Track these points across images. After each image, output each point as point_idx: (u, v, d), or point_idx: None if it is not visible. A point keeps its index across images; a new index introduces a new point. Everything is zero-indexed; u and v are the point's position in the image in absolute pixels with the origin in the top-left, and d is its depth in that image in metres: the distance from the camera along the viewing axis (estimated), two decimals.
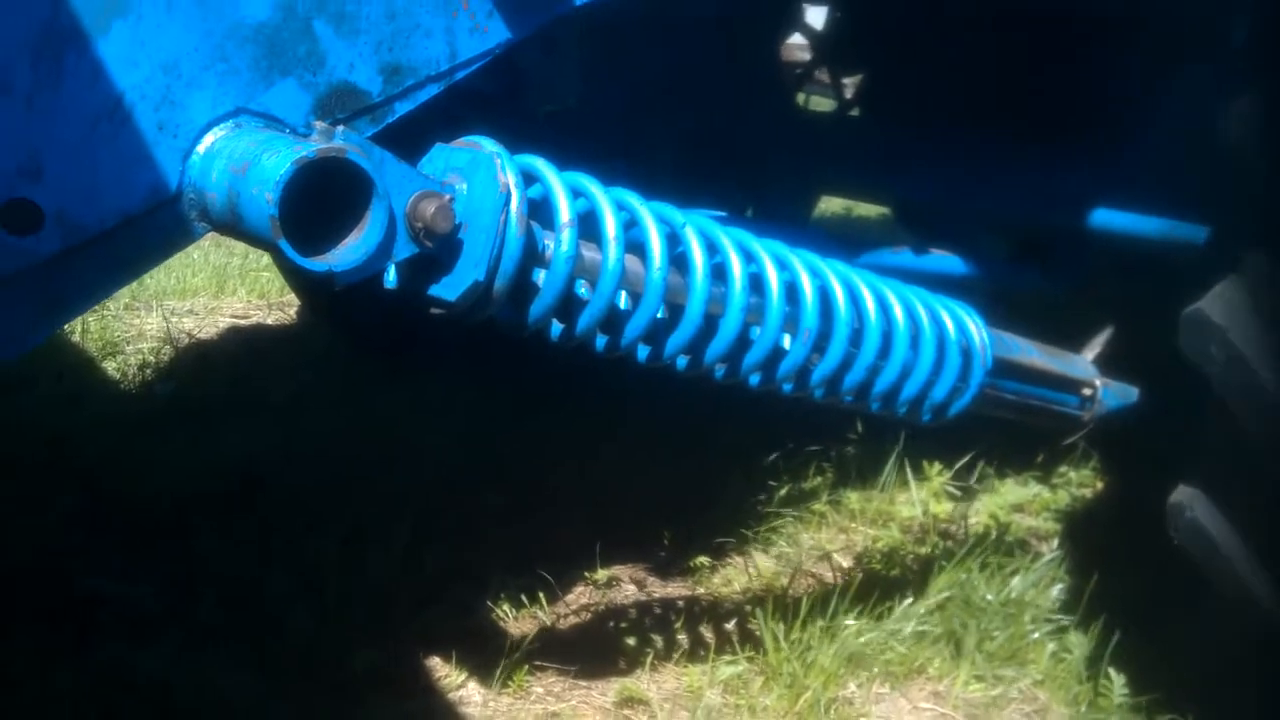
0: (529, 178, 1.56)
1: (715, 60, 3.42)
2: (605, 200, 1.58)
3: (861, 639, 2.62)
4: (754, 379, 1.81)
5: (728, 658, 2.56)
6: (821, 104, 4.54)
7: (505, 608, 2.67)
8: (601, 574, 2.85)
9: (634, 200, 1.65)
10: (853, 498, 3.34)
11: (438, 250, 1.45)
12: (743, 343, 1.74)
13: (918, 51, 3.45)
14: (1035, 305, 3.02)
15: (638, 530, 3.07)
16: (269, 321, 4.79)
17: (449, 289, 1.48)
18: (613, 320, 1.63)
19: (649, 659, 2.56)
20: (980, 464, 3.32)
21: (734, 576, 2.96)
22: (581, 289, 1.58)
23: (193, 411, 3.56)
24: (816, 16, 4.14)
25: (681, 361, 1.74)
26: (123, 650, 2.33)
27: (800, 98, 4.12)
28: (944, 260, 2.87)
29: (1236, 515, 1.98)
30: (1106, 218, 2.78)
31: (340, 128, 1.40)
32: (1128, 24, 2.87)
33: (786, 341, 1.77)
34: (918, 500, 3.24)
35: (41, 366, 3.72)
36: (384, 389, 3.81)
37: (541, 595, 2.70)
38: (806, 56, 4.10)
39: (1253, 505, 1.96)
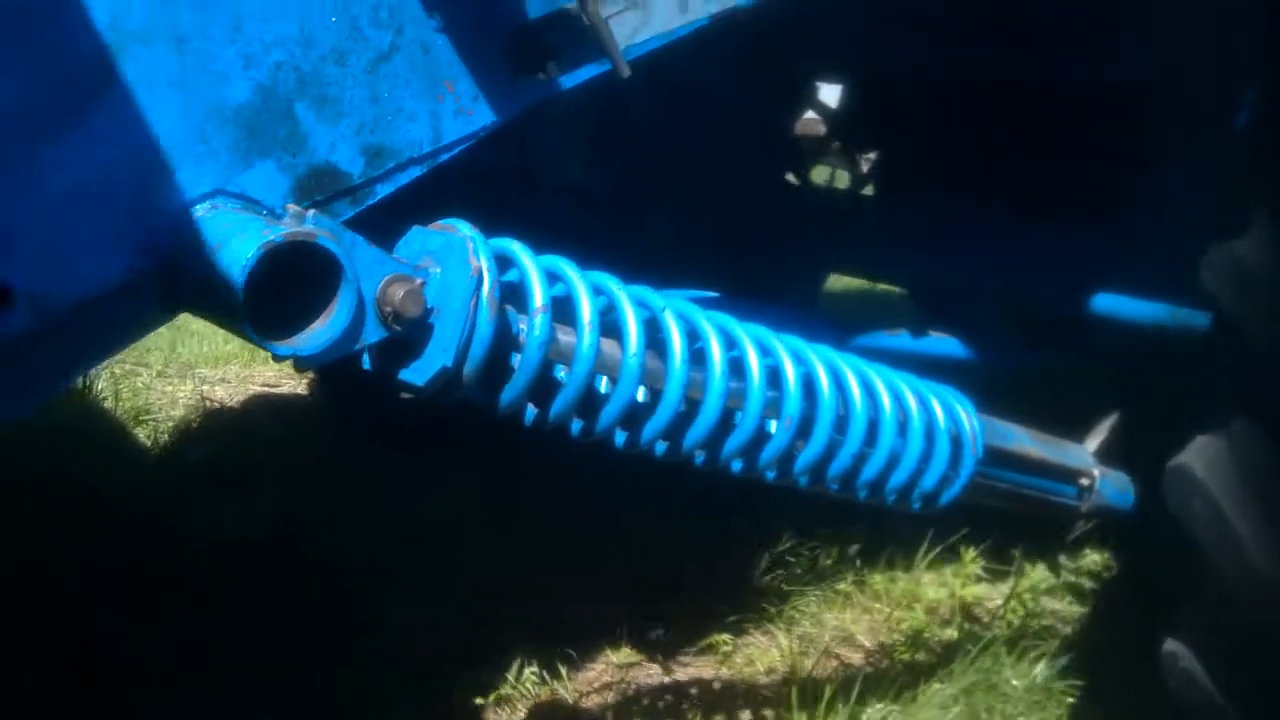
0: (506, 262, 1.55)
1: (726, 138, 3.44)
2: (581, 284, 1.58)
3: None
4: (736, 465, 1.79)
5: None
6: (839, 176, 4.55)
7: (528, 685, 2.68)
8: (624, 651, 2.86)
9: (612, 284, 1.64)
10: (878, 579, 3.33)
11: (408, 334, 1.45)
12: (722, 428, 1.72)
13: (932, 131, 3.46)
14: (1052, 392, 3.00)
15: (660, 607, 3.07)
16: (300, 390, 4.83)
17: (418, 373, 1.47)
18: (589, 405, 1.62)
19: None
20: (1015, 549, 3.29)
21: (756, 656, 2.96)
22: (562, 373, 1.58)
23: (223, 477, 3.61)
24: (831, 95, 4.16)
25: (660, 447, 1.72)
26: (142, 709, 2.36)
27: (817, 170, 4.13)
28: (949, 343, 2.84)
29: (1220, 670, 1.95)
30: (1114, 301, 2.75)
31: (312, 211, 1.40)
32: (1143, 103, 2.86)
33: (770, 427, 1.75)
34: (946, 582, 3.23)
35: (76, 428, 3.78)
36: (408, 460, 3.81)
37: (564, 672, 2.71)
38: (821, 131, 4.12)
39: (1234, 661, 1.93)
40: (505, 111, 1.69)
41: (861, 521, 3.32)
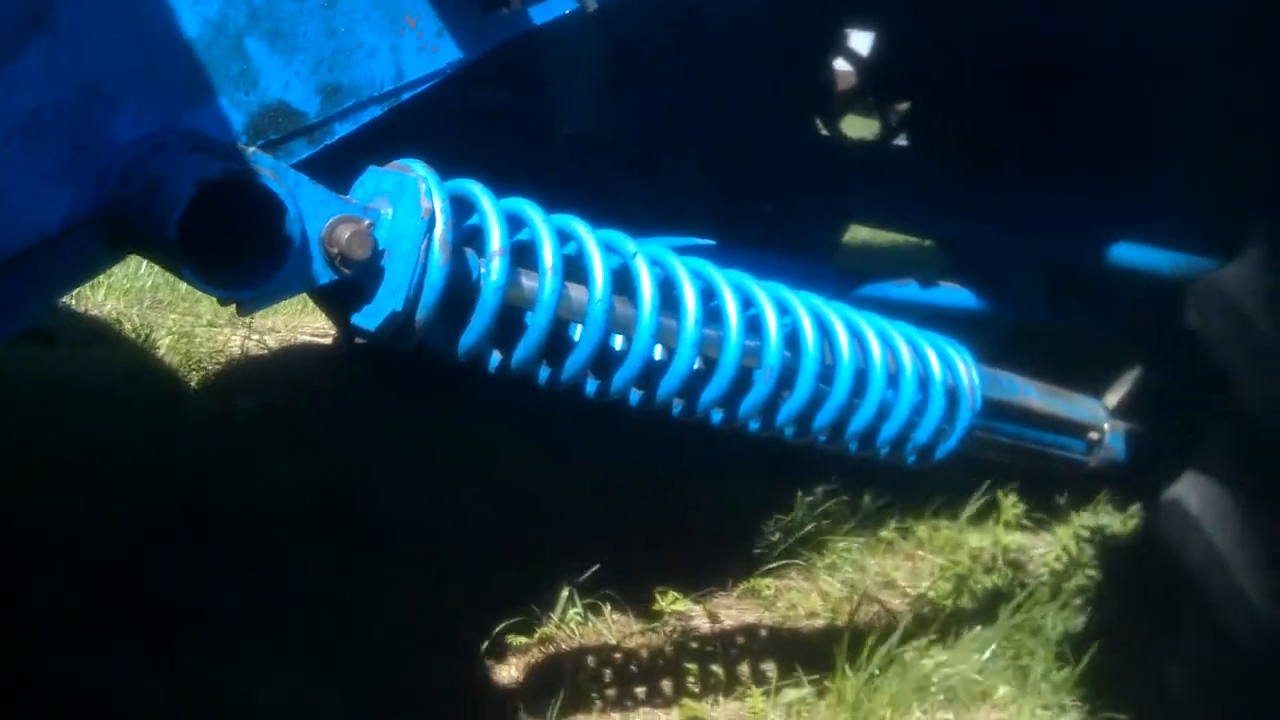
0: (465, 203, 1.50)
1: (748, 83, 3.34)
2: (544, 228, 1.52)
3: (927, 666, 2.62)
4: (715, 416, 1.73)
5: (791, 682, 2.54)
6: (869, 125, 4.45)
7: (572, 626, 2.70)
8: (666, 595, 2.86)
9: (580, 228, 1.58)
10: (920, 527, 3.35)
11: (358, 277, 1.40)
12: (698, 379, 1.66)
13: (961, 83, 3.36)
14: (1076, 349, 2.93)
15: (703, 552, 3.08)
16: None
17: (369, 318, 1.43)
18: (555, 352, 1.56)
19: (712, 680, 2.58)
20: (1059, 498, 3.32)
21: (799, 601, 2.99)
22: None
23: (274, 427, 3.63)
24: (861, 42, 4.05)
25: (633, 396, 1.66)
26: (206, 661, 2.38)
27: (846, 119, 4.04)
28: (961, 294, 2.76)
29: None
30: (1138, 255, 2.66)
31: (253, 149, 1.35)
32: (1166, 60, 2.75)
33: (746, 376, 1.69)
34: (989, 530, 3.25)
35: (131, 379, 3.82)
36: (459, 408, 3.80)
37: (607, 615, 2.74)
38: (851, 81, 4.01)
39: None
40: (473, 48, 1.62)
41: (903, 471, 3.35)
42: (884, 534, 3.29)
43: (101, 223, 1.40)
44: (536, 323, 1.50)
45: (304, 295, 4.90)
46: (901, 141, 3.91)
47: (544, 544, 2.99)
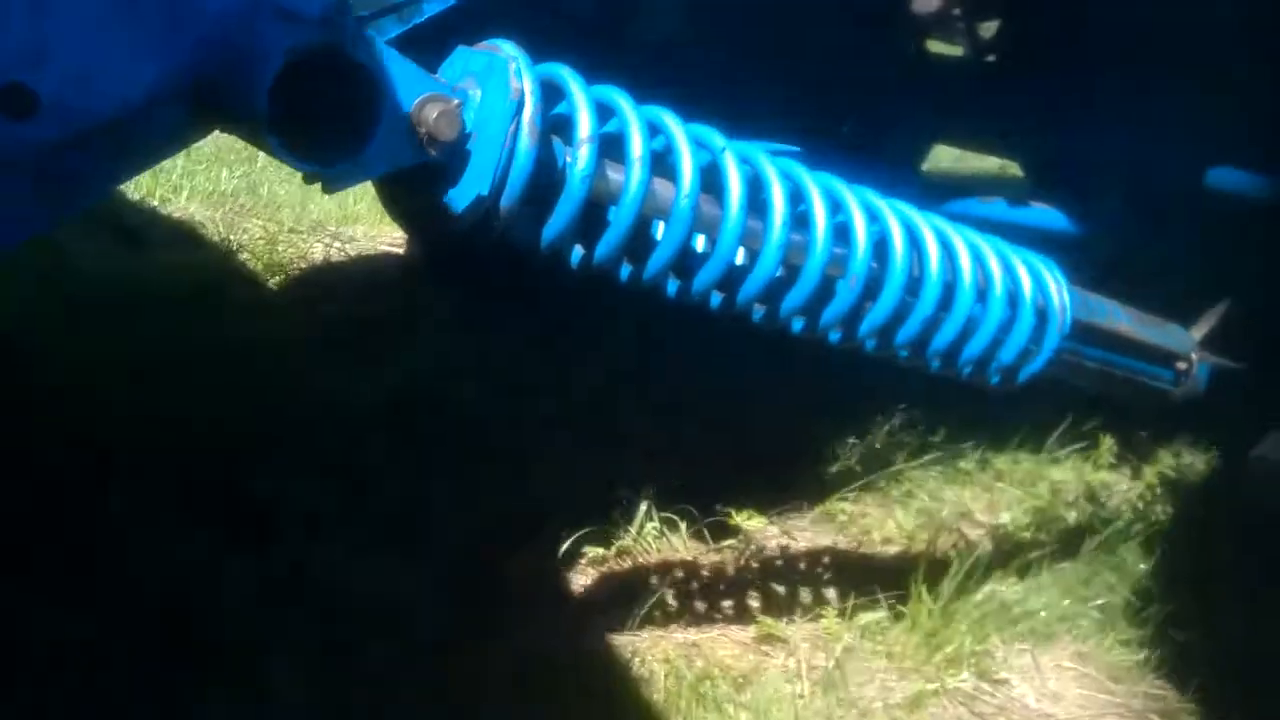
0: (556, 90, 1.46)
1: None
2: (634, 118, 1.47)
3: (1006, 595, 2.61)
4: (796, 324, 1.69)
5: (867, 605, 2.53)
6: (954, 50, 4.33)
7: (649, 539, 2.70)
8: (743, 513, 2.85)
9: (671, 121, 1.54)
10: (1001, 460, 3.30)
11: (445, 158, 1.37)
12: (782, 284, 1.62)
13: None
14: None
15: (780, 472, 3.06)
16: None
17: (455, 201, 1.40)
18: (638, 249, 1.53)
19: (787, 600, 2.58)
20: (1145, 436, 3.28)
21: (874, 526, 2.96)
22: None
23: (356, 331, 3.63)
24: None
25: (715, 299, 1.63)
26: (298, 550, 2.41)
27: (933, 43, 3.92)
28: (1050, 214, 2.68)
29: None
30: (1238, 179, 2.56)
31: (344, 23, 1.32)
32: None
33: (830, 284, 1.65)
34: (1075, 465, 3.21)
35: (217, 286, 3.87)
36: (538, 316, 3.81)
37: (684, 530, 2.72)
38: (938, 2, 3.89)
39: None
40: None
41: (982, 399, 3.34)
42: (962, 464, 3.25)
43: (190, 94, 1.38)
44: (621, 216, 1.47)
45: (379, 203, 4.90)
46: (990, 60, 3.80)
47: (621, 458, 2.99)
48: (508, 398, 3.22)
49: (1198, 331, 2.39)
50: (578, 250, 1.53)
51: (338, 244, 4.62)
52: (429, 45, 1.51)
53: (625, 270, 1.56)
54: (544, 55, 1.51)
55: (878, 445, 3.21)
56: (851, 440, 3.21)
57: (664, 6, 3.04)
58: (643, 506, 2.72)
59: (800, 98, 3.14)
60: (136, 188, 4.51)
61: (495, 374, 3.38)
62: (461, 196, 1.39)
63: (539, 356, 3.53)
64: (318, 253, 4.52)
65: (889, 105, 3.22)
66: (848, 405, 3.29)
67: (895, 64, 3.47)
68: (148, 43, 1.35)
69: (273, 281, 4.16)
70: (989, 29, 3.91)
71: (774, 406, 3.31)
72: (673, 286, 1.61)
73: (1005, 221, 2.63)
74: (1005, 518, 3.08)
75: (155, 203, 4.52)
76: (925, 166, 3.95)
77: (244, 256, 4.24)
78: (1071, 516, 3.04)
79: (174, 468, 2.58)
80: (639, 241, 1.54)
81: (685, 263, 1.57)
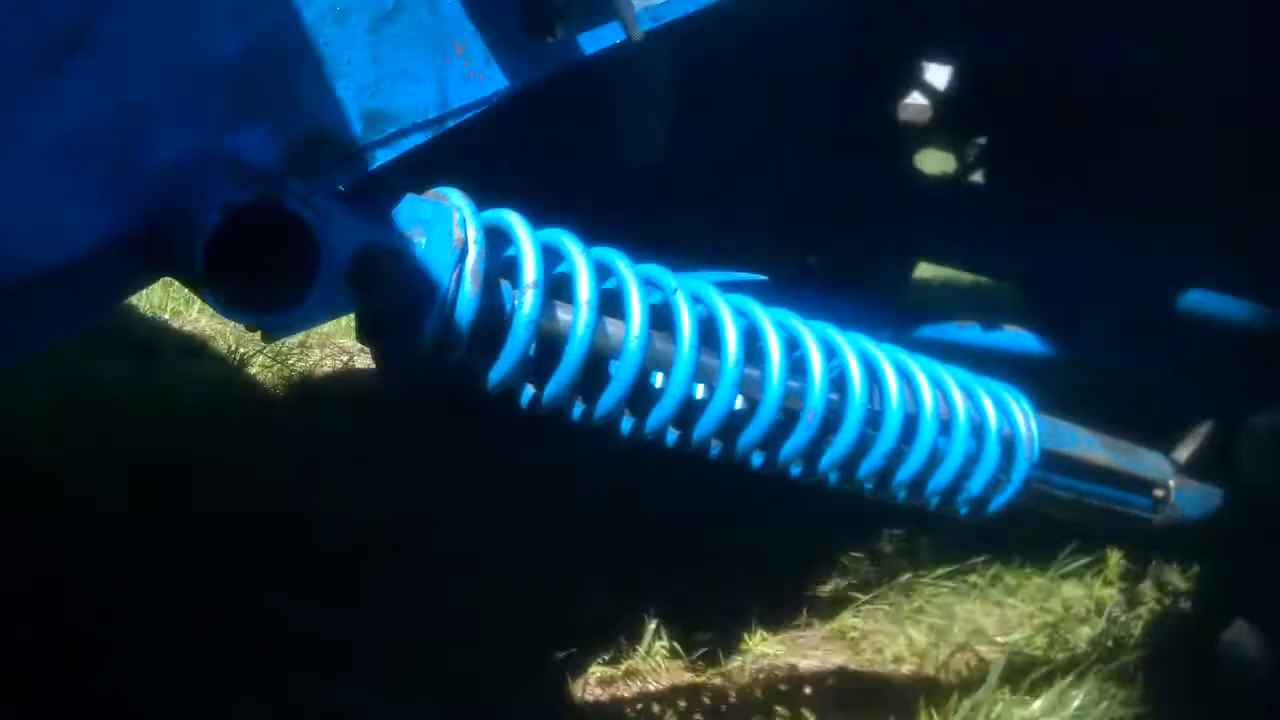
0: (501, 235, 1.47)
1: (820, 117, 3.29)
2: (582, 261, 1.48)
3: (1016, 717, 2.59)
4: (755, 459, 1.68)
5: None
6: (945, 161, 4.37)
7: (658, 660, 2.70)
8: (753, 633, 2.86)
9: (620, 262, 1.55)
10: (1009, 575, 3.30)
11: (387, 306, 1.38)
12: (737, 419, 1.61)
13: (1041, 118, 3.27)
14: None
15: (787, 591, 3.08)
16: None
17: (400, 346, 1.40)
18: (588, 389, 1.53)
19: None
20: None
21: (885, 644, 2.96)
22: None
23: (365, 448, 3.67)
24: (938, 76, 3.98)
25: (670, 436, 1.62)
26: (296, 676, 2.42)
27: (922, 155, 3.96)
28: (1025, 338, 2.67)
29: None
30: (1215, 303, 2.55)
31: (288, 175, 1.34)
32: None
33: (790, 419, 1.63)
34: (1084, 581, 3.22)
35: (226, 397, 3.90)
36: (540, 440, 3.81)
37: (693, 651, 2.72)
38: (927, 115, 3.94)
39: None
40: (519, 76, 1.60)
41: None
42: (972, 579, 3.25)
43: (138, 243, 1.39)
44: (569, 358, 1.46)
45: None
46: (977, 178, 3.84)
47: (627, 576, 2.99)
48: (509, 515, 3.21)
49: (1181, 454, 2.36)
50: (528, 390, 1.53)
51: (344, 357, 4.65)
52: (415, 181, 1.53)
53: (577, 409, 1.56)
54: (520, 184, 1.51)
55: (888, 560, 3.22)
56: (861, 555, 3.22)
57: (645, 132, 3.08)
58: (651, 625, 2.71)
59: (783, 222, 3.16)
60: (147, 301, 4.58)
61: (495, 491, 3.37)
62: (406, 343, 1.39)
63: (550, 471, 3.52)
64: (325, 367, 4.55)
65: (874, 227, 3.23)
66: (860, 514, 3.27)
67: (881, 183, 3.50)
68: (97, 192, 1.37)
69: (280, 393, 4.19)
70: (976, 146, 3.96)
71: (780, 521, 3.26)
72: (625, 425, 1.60)
73: (984, 346, 2.62)
74: (1017, 635, 3.07)
75: (166, 316, 4.58)
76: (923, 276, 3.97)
77: (251, 370, 4.29)
78: (1083, 634, 3.02)
79: (170, 578, 2.59)
80: (591, 380, 1.54)
81: (639, 401, 1.57)
